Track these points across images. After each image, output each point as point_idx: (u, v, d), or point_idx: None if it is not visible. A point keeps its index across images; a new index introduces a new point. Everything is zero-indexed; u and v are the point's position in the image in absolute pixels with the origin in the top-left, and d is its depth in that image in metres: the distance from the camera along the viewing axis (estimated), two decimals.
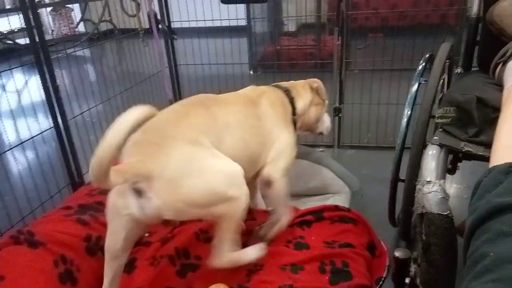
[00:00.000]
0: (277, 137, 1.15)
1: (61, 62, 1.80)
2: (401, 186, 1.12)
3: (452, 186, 1.61)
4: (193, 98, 1.08)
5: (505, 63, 0.98)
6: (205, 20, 2.45)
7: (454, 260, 0.87)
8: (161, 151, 0.87)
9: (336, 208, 1.23)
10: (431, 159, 0.93)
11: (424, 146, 0.99)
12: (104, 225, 1.07)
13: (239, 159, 0.99)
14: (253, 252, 0.99)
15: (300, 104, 1.29)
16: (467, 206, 0.74)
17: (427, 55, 1.36)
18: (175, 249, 1.10)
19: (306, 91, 1.32)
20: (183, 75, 2.34)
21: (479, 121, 0.92)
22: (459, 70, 1.36)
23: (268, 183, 1.12)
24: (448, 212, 0.85)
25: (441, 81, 1.14)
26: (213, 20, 2.44)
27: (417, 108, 1.12)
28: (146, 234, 1.16)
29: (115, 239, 0.90)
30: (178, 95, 2.21)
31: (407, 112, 1.22)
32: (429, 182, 0.87)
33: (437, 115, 1.02)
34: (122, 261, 0.95)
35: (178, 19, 2.30)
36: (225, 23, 2.46)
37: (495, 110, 0.87)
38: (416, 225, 0.94)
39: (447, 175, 1.02)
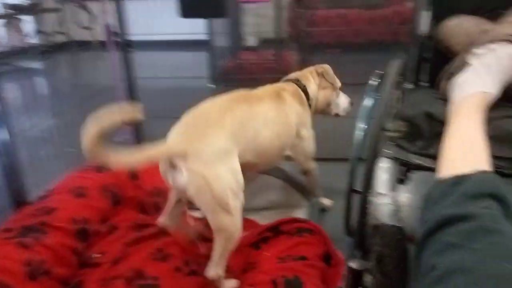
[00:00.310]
0: (301, 129, 1.37)
1: (11, 75, 1.71)
2: (357, 198, 1.13)
3: (404, 195, 1.65)
4: (235, 93, 1.23)
5: (449, 79, 1.02)
6: (164, 34, 2.42)
7: (407, 270, 0.88)
8: (203, 136, 1.02)
9: (294, 220, 1.23)
10: (383, 172, 0.95)
11: (376, 159, 1.01)
12: (48, 248, 1.01)
13: (272, 148, 1.24)
14: (231, 284, 1.09)
15: (311, 90, 1.46)
16: (419, 215, 0.76)
17: (380, 72, 1.41)
18: (131, 269, 1.05)
19: (313, 77, 1.48)
20: (141, 89, 2.28)
21: (428, 134, 0.95)
22: (410, 86, 1.41)
23: (305, 173, 1.48)
24: (400, 223, 0.86)
25: (393, 96, 1.18)
26: (173, 34, 2.42)
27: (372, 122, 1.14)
28: (96, 255, 1.10)
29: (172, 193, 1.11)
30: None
31: (361, 126, 1.24)
32: (381, 194, 0.89)
33: (389, 129, 1.05)
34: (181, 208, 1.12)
35: (137, 32, 2.26)
36: (185, 37, 2.45)
37: (442, 124, 0.90)
38: (370, 236, 0.95)
39: (399, 185, 1.04)
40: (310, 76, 1.48)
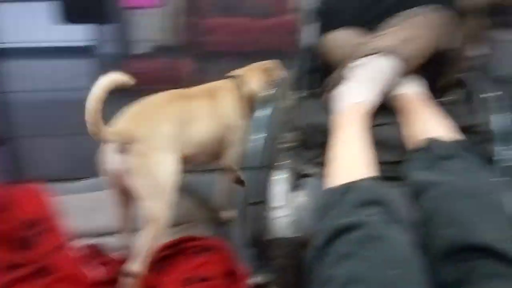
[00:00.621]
0: (234, 127, 1.42)
1: None
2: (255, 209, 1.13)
3: (300, 200, 1.71)
4: (172, 91, 1.34)
5: (331, 90, 1.08)
6: (40, 41, 2.18)
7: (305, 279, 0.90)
8: (150, 123, 1.15)
9: (194, 238, 1.20)
10: (279, 182, 0.96)
11: (272, 170, 1.02)
12: None
13: (210, 141, 1.34)
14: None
15: (253, 86, 1.48)
16: (314, 222, 0.77)
17: (273, 81, 1.44)
18: None
19: (258, 73, 1.53)
20: (15, 104, 2.00)
21: (317, 144, 0.99)
22: (302, 95, 1.46)
23: (230, 171, 1.48)
24: (298, 234, 0.87)
25: (287, 106, 1.21)
26: (51, 41, 2.19)
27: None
28: None
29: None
30: (7, 127, 1.87)
31: (255, 136, 1.25)
32: (277, 206, 0.89)
33: (282, 140, 1.07)
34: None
35: (8, 40, 1.98)
36: (65, 44, 2.23)
37: (329, 134, 0.94)
38: (270, 249, 0.94)
39: (296, 192, 1.06)
40: (252, 74, 1.52)
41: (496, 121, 0.96)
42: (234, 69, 1.62)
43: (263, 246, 1.00)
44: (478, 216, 0.61)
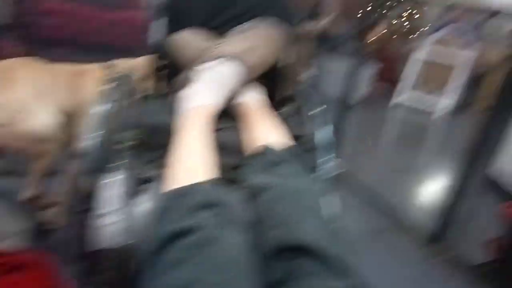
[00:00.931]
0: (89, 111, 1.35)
1: None
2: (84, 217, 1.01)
3: (141, 204, 1.63)
4: (28, 59, 1.35)
5: (176, 91, 1.05)
6: None
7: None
8: (10, 87, 1.18)
9: (1, 253, 0.99)
10: (112, 185, 0.87)
11: (106, 172, 0.92)
12: None
13: (61, 120, 1.30)
14: None
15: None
16: (150, 223, 0.72)
17: (115, 76, 1.33)
18: None
19: (135, 68, 1.44)
20: None
21: (159, 145, 0.94)
22: (149, 93, 1.39)
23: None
24: (131, 241, 0.81)
25: (130, 103, 1.13)
26: None
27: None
28: None
29: None
30: None
31: (93, 134, 1.13)
32: (108, 212, 0.81)
33: (120, 139, 0.99)
34: None
35: None
36: None
37: (172, 135, 0.91)
38: (99, 260, 0.85)
39: (136, 197, 0.99)
40: (131, 66, 1.48)
41: (319, 134, 1.09)
42: (69, 59, 1.49)
43: (91, 258, 0.90)
44: (299, 218, 0.66)
